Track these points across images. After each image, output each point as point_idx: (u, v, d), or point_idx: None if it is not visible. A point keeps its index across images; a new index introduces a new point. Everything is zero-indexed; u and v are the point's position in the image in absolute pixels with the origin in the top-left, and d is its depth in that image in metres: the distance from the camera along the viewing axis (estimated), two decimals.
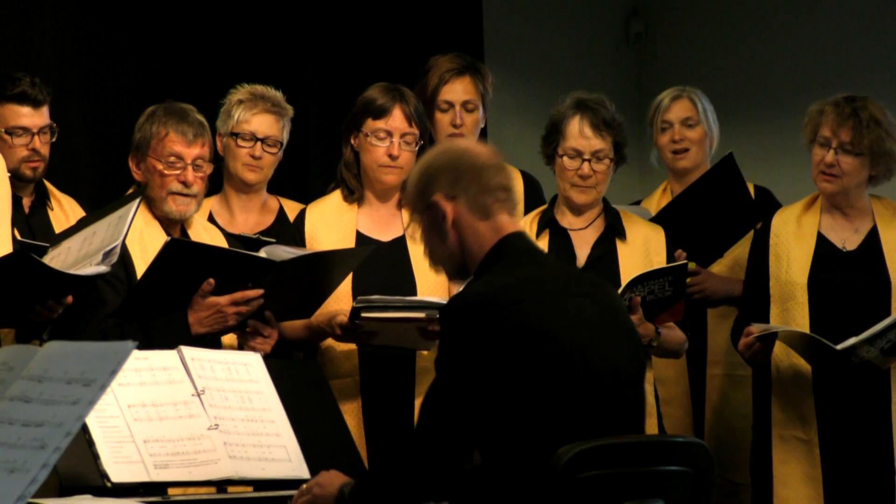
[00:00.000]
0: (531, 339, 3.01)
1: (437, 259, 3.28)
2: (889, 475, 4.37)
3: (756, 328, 4.35)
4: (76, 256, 3.90)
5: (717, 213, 4.83)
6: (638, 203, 5.24)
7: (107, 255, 3.81)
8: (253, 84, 4.82)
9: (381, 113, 4.41)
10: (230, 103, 4.75)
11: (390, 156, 4.39)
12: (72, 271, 3.81)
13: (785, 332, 4.33)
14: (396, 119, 4.41)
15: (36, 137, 4.44)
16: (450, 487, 3.06)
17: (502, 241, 3.17)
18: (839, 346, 4.20)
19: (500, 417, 3.02)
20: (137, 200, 3.90)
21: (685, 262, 4.53)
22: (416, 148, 4.40)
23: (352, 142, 4.48)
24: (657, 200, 5.16)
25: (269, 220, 4.82)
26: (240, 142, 4.71)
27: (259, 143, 4.73)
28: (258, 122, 4.74)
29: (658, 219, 4.79)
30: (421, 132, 4.43)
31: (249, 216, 4.78)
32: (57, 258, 3.95)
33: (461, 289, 3.32)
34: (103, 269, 3.81)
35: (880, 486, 4.38)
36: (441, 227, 3.20)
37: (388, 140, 4.40)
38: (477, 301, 3.06)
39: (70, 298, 3.88)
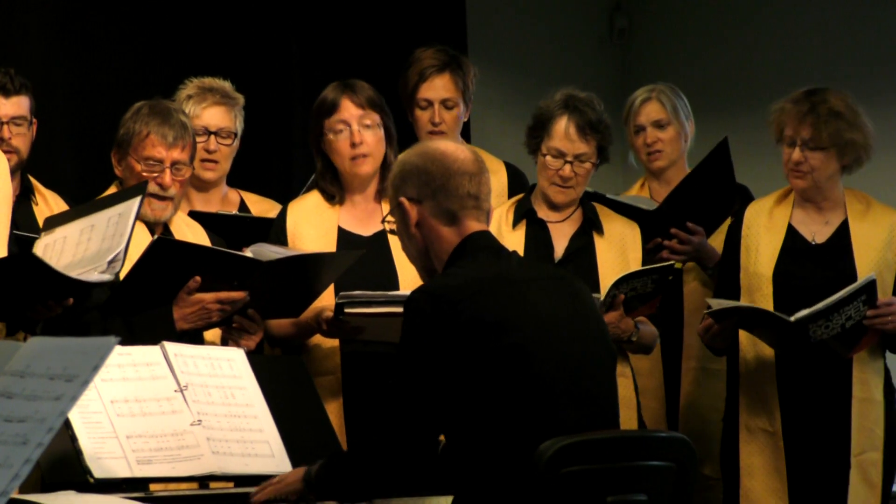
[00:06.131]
0: (489, 330, 3.04)
1: (408, 255, 3.34)
2: (844, 469, 4.39)
3: (713, 303, 4.35)
4: (74, 253, 3.84)
5: (708, 197, 4.86)
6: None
7: (111, 262, 3.77)
8: (214, 78, 4.80)
9: (332, 109, 4.40)
10: (179, 100, 4.70)
11: (353, 144, 4.38)
12: (79, 277, 3.75)
13: (740, 307, 4.31)
14: (348, 108, 4.39)
15: (5, 127, 4.40)
16: (417, 476, 3.09)
17: (466, 240, 3.21)
18: (793, 318, 4.19)
19: (463, 407, 3.04)
20: (139, 199, 3.84)
21: (671, 262, 4.54)
22: (381, 131, 4.39)
23: (322, 149, 4.46)
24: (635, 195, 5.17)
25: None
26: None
27: (212, 137, 4.70)
28: (209, 115, 4.72)
29: (665, 205, 4.81)
30: (381, 116, 4.41)
31: (210, 210, 4.76)
32: (52, 246, 3.89)
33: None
34: (107, 277, 3.76)
35: (836, 480, 4.39)
36: (407, 227, 3.25)
37: (346, 130, 4.39)
38: (436, 293, 3.09)
39: (70, 300, 3.84)
